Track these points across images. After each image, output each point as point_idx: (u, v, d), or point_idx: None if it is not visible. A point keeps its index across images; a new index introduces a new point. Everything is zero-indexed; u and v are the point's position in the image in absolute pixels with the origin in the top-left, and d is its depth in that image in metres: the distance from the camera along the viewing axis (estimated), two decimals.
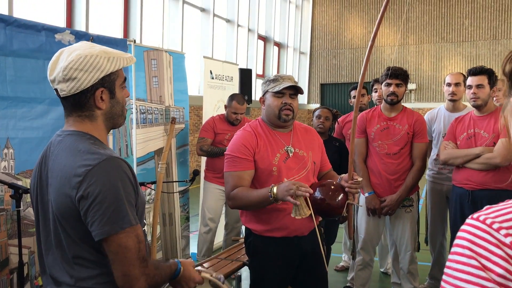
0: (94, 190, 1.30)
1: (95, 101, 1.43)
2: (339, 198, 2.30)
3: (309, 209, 2.18)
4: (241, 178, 2.36)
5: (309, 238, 2.44)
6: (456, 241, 0.80)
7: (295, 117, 2.48)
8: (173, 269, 1.52)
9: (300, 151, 2.47)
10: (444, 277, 0.79)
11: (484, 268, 0.74)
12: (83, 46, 1.44)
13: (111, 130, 3.80)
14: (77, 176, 1.32)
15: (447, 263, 0.80)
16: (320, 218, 2.65)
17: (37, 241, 1.52)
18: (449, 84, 3.95)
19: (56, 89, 1.43)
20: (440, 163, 3.73)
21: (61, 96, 1.43)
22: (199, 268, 1.66)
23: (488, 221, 0.78)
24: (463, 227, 0.80)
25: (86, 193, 1.31)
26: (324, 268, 2.54)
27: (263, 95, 2.49)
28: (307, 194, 2.11)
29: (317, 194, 2.31)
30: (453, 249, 0.80)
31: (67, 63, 1.39)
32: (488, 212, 0.80)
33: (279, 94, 2.40)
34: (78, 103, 1.43)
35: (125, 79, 1.53)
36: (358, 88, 2.42)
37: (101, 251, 1.36)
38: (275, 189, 2.18)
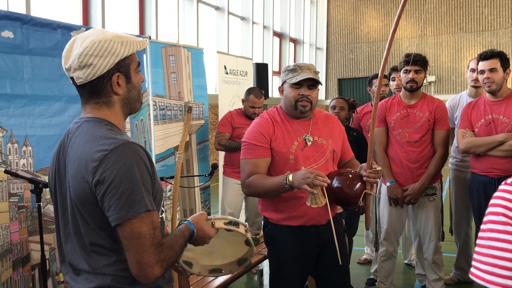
0: (110, 175, 1.29)
1: (112, 86, 1.43)
2: (356, 187, 2.25)
3: (325, 197, 2.15)
4: (257, 166, 2.33)
5: (327, 227, 2.40)
6: (489, 209, 0.75)
7: (313, 109, 2.43)
8: (187, 235, 1.49)
9: (320, 139, 2.42)
10: (477, 248, 0.74)
11: None
12: (96, 32, 1.43)
13: (130, 127, 3.85)
14: (94, 161, 1.32)
15: (480, 234, 0.75)
16: (339, 209, 2.60)
17: (56, 230, 1.52)
18: (473, 70, 3.85)
19: (72, 78, 1.43)
20: (461, 152, 3.64)
21: (78, 84, 1.43)
22: (211, 217, 1.62)
23: None
24: (496, 193, 0.76)
25: (102, 177, 1.30)
26: (343, 259, 2.50)
27: (282, 85, 2.45)
28: (325, 184, 2.08)
29: (334, 183, 2.27)
30: (486, 217, 0.75)
31: (82, 50, 1.38)
32: None
33: (296, 85, 2.36)
34: (95, 90, 1.43)
35: (139, 63, 1.52)
36: (378, 81, 2.36)
37: (117, 238, 1.35)
38: (290, 177, 2.15)
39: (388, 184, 3.57)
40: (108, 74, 1.41)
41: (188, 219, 1.57)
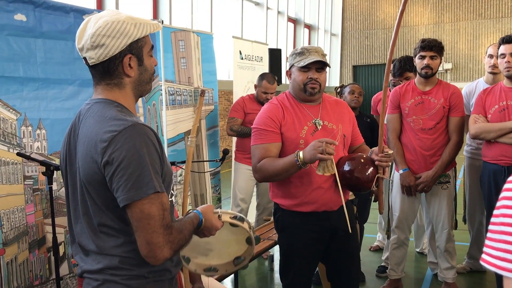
0: (119, 156, 1.29)
1: (123, 68, 1.43)
2: (369, 171, 2.24)
3: (334, 167, 2.17)
4: (268, 150, 2.32)
5: (339, 213, 2.38)
6: (503, 194, 0.72)
7: (322, 91, 2.41)
8: (196, 223, 1.49)
9: (330, 123, 2.40)
10: (489, 234, 0.72)
11: None
12: (110, 13, 1.43)
13: (142, 112, 3.85)
14: (103, 141, 1.32)
15: (492, 219, 0.72)
16: (350, 195, 2.58)
17: (68, 211, 1.53)
18: (491, 56, 3.77)
19: (85, 58, 1.43)
20: (471, 138, 3.58)
21: (90, 64, 1.43)
22: (218, 210, 1.64)
23: None
24: (507, 185, 0.73)
25: (111, 158, 1.30)
26: (357, 243, 2.49)
27: (290, 69, 2.43)
28: (334, 147, 2.11)
29: (346, 167, 2.26)
30: (499, 202, 0.72)
31: (95, 30, 1.38)
32: None
33: (304, 68, 2.33)
34: (107, 71, 1.42)
35: (152, 46, 1.51)
36: (386, 71, 2.33)
37: (125, 220, 1.35)
38: (301, 154, 2.15)
39: (401, 171, 3.53)
40: (120, 55, 1.41)
41: (197, 208, 1.57)
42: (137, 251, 1.33)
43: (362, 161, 2.28)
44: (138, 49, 1.44)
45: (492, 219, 0.72)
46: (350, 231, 2.28)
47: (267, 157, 2.31)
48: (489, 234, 0.72)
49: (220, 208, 5.02)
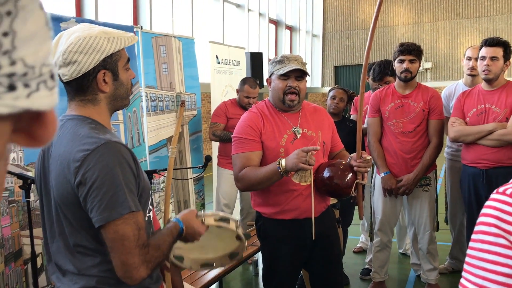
0: (92, 176, 1.27)
1: (97, 84, 1.39)
2: (348, 178, 2.26)
3: (311, 177, 2.21)
4: (249, 159, 2.31)
5: (321, 220, 2.39)
6: (480, 219, 0.71)
7: (301, 101, 2.41)
8: (176, 233, 1.46)
9: (309, 131, 2.40)
10: (467, 259, 0.71)
11: None
12: (82, 28, 1.39)
13: (122, 119, 3.81)
14: (76, 161, 1.29)
15: (471, 244, 0.72)
16: (332, 200, 2.59)
17: (43, 229, 1.50)
18: (469, 58, 3.81)
19: (58, 74, 1.39)
20: (450, 141, 3.62)
21: (64, 81, 1.40)
22: (201, 213, 1.60)
23: None
24: (488, 202, 0.72)
25: (84, 178, 1.27)
26: (339, 249, 2.50)
27: (270, 77, 2.43)
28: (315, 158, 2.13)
29: (326, 174, 2.27)
30: (477, 227, 0.71)
31: (66, 46, 1.35)
32: None
33: (284, 76, 2.34)
34: (80, 87, 1.39)
35: (128, 59, 1.48)
36: (363, 70, 2.35)
37: (101, 240, 1.33)
38: (283, 162, 2.15)
39: (382, 175, 3.55)
40: (94, 71, 1.38)
41: (177, 216, 1.54)
42: (114, 271, 1.31)
43: (342, 167, 2.29)
44: (113, 63, 1.41)
45: (471, 243, 0.72)
46: (313, 238, 2.30)
47: (248, 166, 2.30)
48: (467, 259, 0.71)
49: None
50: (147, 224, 1.45)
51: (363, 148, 3.75)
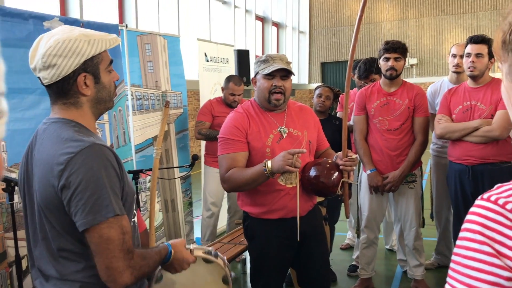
0: (76, 179, 1.25)
1: (78, 87, 1.37)
2: (334, 176, 2.27)
3: (297, 179, 2.22)
4: (235, 160, 2.31)
5: (308, 219, 2.40)
6: (465, 225, 0.71)
7: (287, 100, 2.42)
8: (163, 254, 1.47)
9: (295, 130, 2.41)
10: (452, 265, 0.71)
11: (499, 254, 0.66)
12: (62, 31, 1.38)
13: (108, 118, 3.78)
14: (59, 164, 1.27)
15: (455, 250, 0.72)
16: (318, 198, 2.60)
17: (26, 234, 1.47)
18: (454, 55, 3.84)
19: (39, 78, 1.38)
20: (436, 138, 3.65)
21: (44, 84, 1.38)
22: (190, 246, 1.60)
23: (501, 201, 0.69)
24: (473, 209, 0.72)
25: (68, 182, 1.26)
26: (326, 248, 2.51)
27: (255, 76, 2.43)
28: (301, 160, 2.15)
29: (312, 173, 2.28)
30: (462, 234, 0.71)
31: (45, 50, 1.33)
32: (500, 191, 0.71)
33: (269, 76, 2.34)
34: (61, 91, 1.38)
35: (111, 61, 1.46)
36: (348, 69, 2.36)
37: (86, 243, 1.31)
38: (269, 163, 2.15)
39: (368, 172, 3.57)
40: (74, 74, 1.36)
41: (167, 242, 1.54)
42: (98, 276, 1.30)
43: (328, 166, 2.30)
44: (94, 66, 1.39)
45: (455, 250, 0.72)
46: (298, 239, 2.32)
47: (234, 167, 2.30)
48: (452, 265, 0.71)
49: (192, 213, 4.98)
50: (132, 229, 1.43)
51: (349, 146, 3.78)
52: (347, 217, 2.61)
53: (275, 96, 2.33)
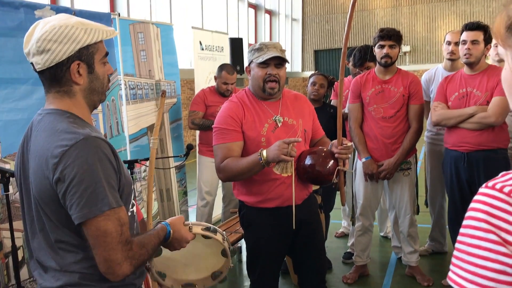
0: (71, 172, 1.23)
1: (71, 75, 1.36)
2: (330, 164, 2.27)
3: (292, 168, 2.24)
4: (231, 150, 2.30)
5: (303, 207, 2.40)
6: (470, 213, 0.71)
7: (281, 88, 2.40)
8: (162, 236, 1.46)
9: (290, 119, 2.40)
10: (456, 253, 0.71)
11: (505, 242, 0.66)
12: (59, 18, 1.36)
13: (101, 108, 3.75)
14: (54, 157, 1.26)
15: (459, 238, 0.72)
16: (313, 186, 2.60)
17: (24, 225, 1.47)
18: (449, 43, 3.84)
19: (32, 63, 1.37)
20: (432, 125, 3.66)
21: (37, 70, 1.37)
22: (188, 222, 1.60)
23: (507, 189, 0.69)
24: (477, 197, 0.72)
25: (62, 175, 1.24)
26: (322, 236, 2.52)
27: (249, 65, 2.41)
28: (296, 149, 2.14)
29: (308, 161, 2.28)
30: (466, 222, 0.71)
31: (41, 34, 1.32)
32: (505, 179, 0.71)
33: (263, 64, 2.32)
34: (54, 78, 1.36)
35: (107, 53, 1.44)
36: (342, 56, 2.35)
37: (83, 235, 1.30)
38: (264, 152, 2.15)
39: (363, 160, 3.58)
40: (68, 61, 1.34)
41: (165, 220, 1.53)
42: (97, 267, 1.29)
43: (323, 154, 2.30)
44: (88, 56, 1.37)
45: (459, 238, 0.72)
46: (293, 227, 2.33)
47: (230, 156, 2.29)
48: (456, 253, 0.71)
49: (187, 202, 4.98)
50: (131, 219, 1.43)
51: (344, 134, 3.78)
52: (343, 204, 2.62)
53: (270, 84, 2.32)
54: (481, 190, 0.72)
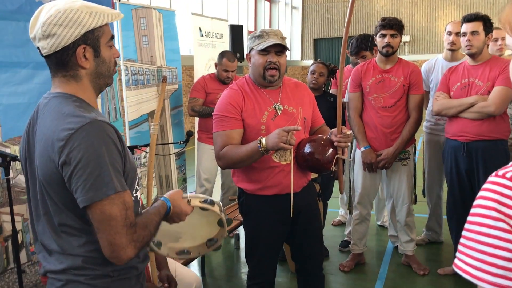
0: (77, 155, 1.24)
1: (77, 59, 1.36)
2: (329, 153, 2.28)
3: (291, 157, 2.27)
4: (230, 137, 2.31)
5: (302, 195, 2.42)
6: (478, 201, 0.71)
7: (282, 76, 2.40)
8: (163, 212, 1.48)
9: (290, 107, 2.40)
10: (463, 240, 0.72)
11: None
12: (64, 1, 1.36)
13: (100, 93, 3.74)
14: (60, 140, 1.26)
15: (467, 226, 0.72)
16: (312, 174, 2.62)
17: (29, 209, 1.48)
18: (449, 33, 3.83)
19: (38, 48, 1.36)
20: (433, 114, 3.67)
21: (43, 54, 1.36)
22: (187, 195, 1.62)
23: None
24: (486, 185, 0.72)
25: (68, 158, 1.24)
26: (320, 223, 2.54)
27: (249, 52, 2.41)
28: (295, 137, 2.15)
29: (307, 149, 2.29)
30: (475, 210, 0.71)
31: (46, 18, 1.31)
32: None
33: (264, 51, 2.31)
34: (60, 62, 1.36)
35: (112, 37, 1.44)
36: (343, 45, 2.35)
37: (87, 219, 1.31)
38: (264, 140, 2.16)
39: (362, 149, 3.59)
40: (74, 45, 1.34)
41: (164, 195, 1.54)
42: (100, 250, 1.30)
43: (322, 142, 2.31)
44: (94, 39, 1.37)
45: (467, 225, 0.73)
46: (291, 215, 2.36)
47: (229, 144, 2.30)
48: (463, 240, 0.72)
49: (186, 189, 5.00)
50: (135, 203, 1.43)
51: (344, 123, 3.78)
52: (341, 192, 2.64)
53: (270, 72, 2.32)
54: (490, 178, 0.72)
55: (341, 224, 4.89)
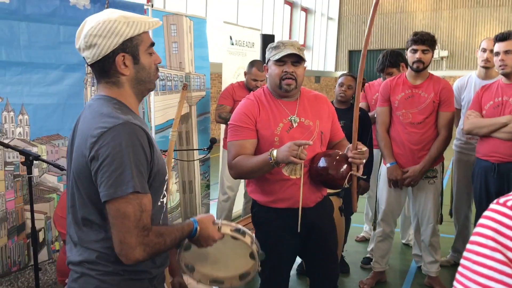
0: (104, 152, 1.32)
1: (117, 67, 1.44)
2: (343, 168, 2.23)
3: (301, 171, 2.23)
4: (243, 147, 2.29)
5: (315, 210, 2.37)
6: (477, 229, 0.68)
7: (299, 86, 2.37)
8: (186, 231, 1.50)
9: (306, 120, 2.37)
10: (460, 269, 0.68)
11: (511, 263, 0.64)
12: (106, 13, 1.46)
13: None
14: (93, 137, 1.34)
15: (465, 254, 0.69)
16: (328, 190, 2.57)
17: (67, 201, 1.56)
18: (484, 50, 3.73)
19: (83, 57, 1.47)
20: (464, 133, 3.56)
21: (88, 63, 1.47)
22: (218, 221, 1.61)
23: None
24: (487, 213, 0.69)
25: (97, 154, 1.33)
26: (335, 240, 2.48)
27: (266, 63, 2.39)
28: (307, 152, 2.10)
29: (321, 164, 2.25)
30: (473, 238, 0.68)
31: (87, 30, 1.41)
32: None
33: (280, 62, 2.29)
34: (103, 70, 1.45)
35: (152, 44, 1.51)
36: (361, 59, 2.30)
37: (105, 216, 1.37)
38: (275, 152, 2.12)
39: (388, 165, 3.51)
40: (113, 54, 1.42)
41: (194, 217, 1.56)
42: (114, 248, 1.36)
43: (338, 158, 2.26)
44: (133, 47, 1.45)
45: (465, 254, 0.69)
46: (298, 230, 2.30)
47: (242, 154, 2.29)
48: (460, 269, 0.68)
49: (209, 195, 5.01)
50: (160, 209, 1.49)
51: (371, 137, 3.71)
52: (354, 211, 2.58)
53: (286, 81, 2.29)
54: (491, 206, 0.69)
55: (365, 240, 4.79)
